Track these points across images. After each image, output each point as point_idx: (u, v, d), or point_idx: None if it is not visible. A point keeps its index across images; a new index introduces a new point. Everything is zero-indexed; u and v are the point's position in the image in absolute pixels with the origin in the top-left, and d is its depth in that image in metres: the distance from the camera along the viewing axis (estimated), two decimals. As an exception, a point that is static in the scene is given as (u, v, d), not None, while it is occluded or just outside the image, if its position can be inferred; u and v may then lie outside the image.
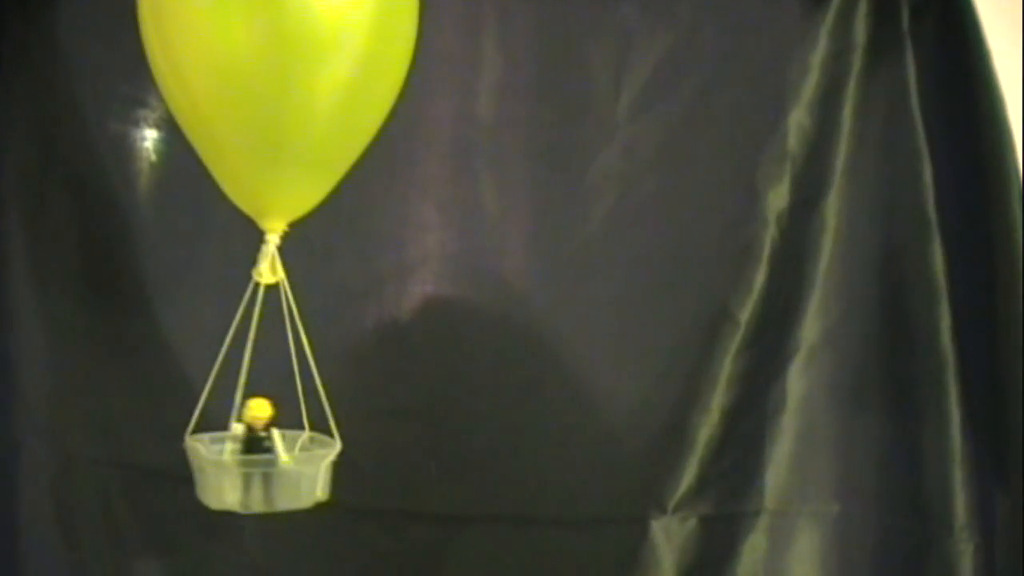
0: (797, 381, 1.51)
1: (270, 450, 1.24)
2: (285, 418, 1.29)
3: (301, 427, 1.31)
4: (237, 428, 1.25)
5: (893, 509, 1.50)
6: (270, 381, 1.27)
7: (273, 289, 1.24)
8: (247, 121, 1.16)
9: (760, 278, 1.50)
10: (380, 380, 1.57)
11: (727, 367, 1.50)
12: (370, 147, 1.27)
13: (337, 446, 1.26)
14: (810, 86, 1.49)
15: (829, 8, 1.48)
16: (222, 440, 1.26)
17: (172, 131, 1.36)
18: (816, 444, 1.52)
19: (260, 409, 1.25)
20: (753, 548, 1.50)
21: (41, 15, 1.59)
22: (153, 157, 1.59)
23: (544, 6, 1.54)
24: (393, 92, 1.25)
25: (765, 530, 1.51)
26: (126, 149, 1.58)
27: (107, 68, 1.56)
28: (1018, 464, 1.42)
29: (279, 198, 1.23)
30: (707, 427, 1.50)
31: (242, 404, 1.25)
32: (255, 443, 1.25)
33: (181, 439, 1.26)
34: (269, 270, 1.23)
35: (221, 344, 1.25)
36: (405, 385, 1.56)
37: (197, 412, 1.27)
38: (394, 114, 1.27)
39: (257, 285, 1.23)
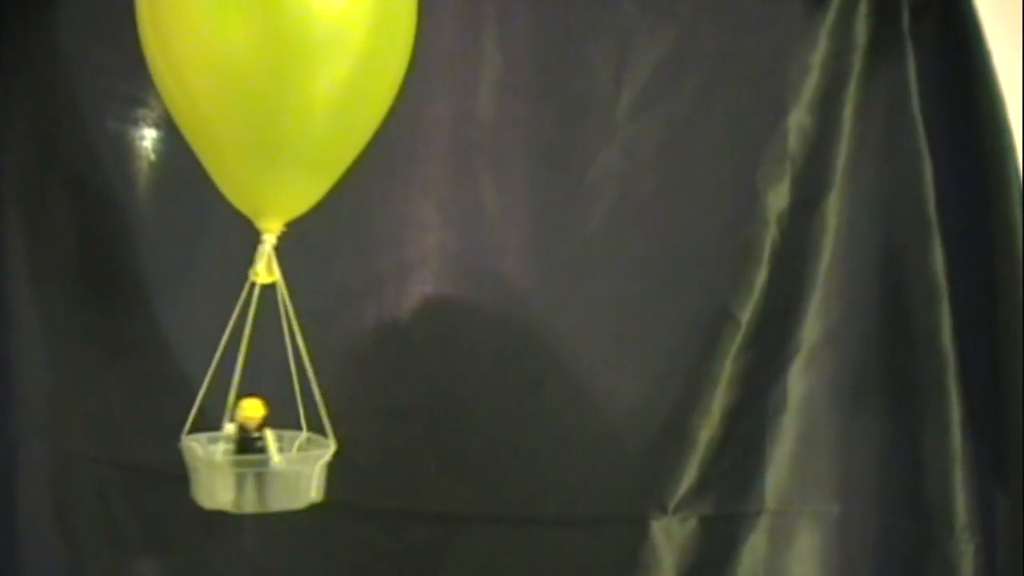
0: (798, 381, 1.50)
1: (264, 450, 1.24)
2: (285, 418, 1.29)
3: (299, 428, 1.31)
4: (229, 428, 1.25)
5: (894, 509, 1.49)
6: (269, 381, 1.27)
7: (273, 289, 1.25)
8: (245, 121, 1.16)
9: (760, 278, 1.49)
10: (380, 380, 1.56)
11: (727, 367, 1.50)
12: (368, 147, 1.27)
13: (332, 447, 1.27)
14: (810, 86, 1.49)
15: (829, 8, 1.48)
16: (219, 440, 1.27)
17: (172, 130, 1.36)
18: (817, 444, 1.51)
19: (253, 409, 1.25)
20: (753, 548, 1.50)
21: (41, 15, 1.60)
22: (153, 156, 1.59)
23: (544, 6, 1.54)
24: (391, 92, 1.25)
25: (765, 530, 1.50)
26: (125, 148, 1.59)
27: (107, 68, 1.56)
28: (1018, 464, 1.42)
29: (276, 198, 1.23)
30: (707, 427, 1.50)
31: (235, 404, 1.25)
32: (249, 443, 1.25)
33: (180, 439, 1.27)
34: (266, 270, 1.23)
35: (220, 344, 1.25)
36: (405, 385, 1.56)
37: (194, 411, 1.27)
38: (393, 114, 1.27)
39: (253, 285, 1.23)
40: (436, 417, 1.55)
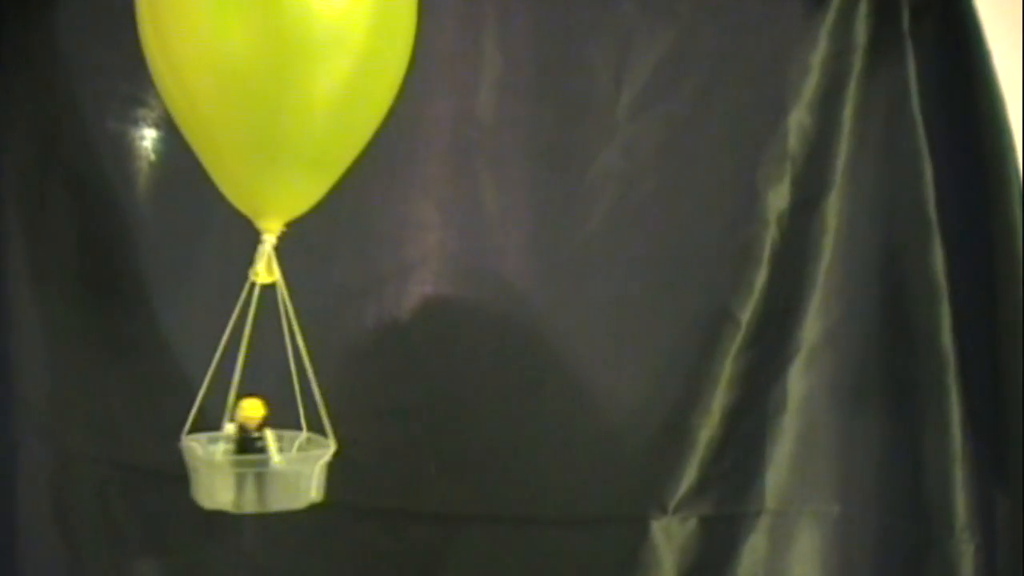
0: (798, 381, 1.50)
1: (264, 450, 1.24)
2: (285, 418, 1.29)
3: (300, 428, 1.31)
4: (229, 428, 1.25)
5: (894, 509, 1.49)
6: (270, 381, 1.27)
7: (273, 289, 1.24)
8: (244, 120, 1.16)
9: (760, 278, 1.49)
10: (380, 380, 1.56)
11: (727, 367, 1.50)
12: (368, 147, 1.27)
13: (332, 447, 1.26)
14: (810, 86, 1.49)
15: (829, 8, 1.48)
16: (219, 440, 1.27)
17: (172, 130, 1.36)
18: (817, 444, 1.51)
19: (253, 409, 1.25)
20: (753, 549, 1.50)
21: (41, 15, 1.60)
22: (153, 156, 1.59)
23: (544, 6, 1.54)
24: (391, 92, 1.25)
25: (766, 531, 1.50)
26: (125, 148, 1.59)
27: (107, 67, 1.56)
28: (1018, 464, 1.42)
29: (276, 198, 1.23)
30: (707, 427, 1.50)
31: (235, 404, 1.25)
32: (248, 443, 1.24)
33: (180, 439, 1.27)
34: (265, 270, 1.23)
35: (220, 344, 1.25)
36: (405, 385, 1.56)
37: (194, 411, 1.27)
38: (393, 114, 1.27)
39: (253, 285, 1.23)
40: (436, 417, 1.54)
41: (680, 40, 1.52)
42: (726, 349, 1.49)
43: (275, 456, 1.24)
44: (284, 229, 1.25)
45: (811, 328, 1.50)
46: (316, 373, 1.27)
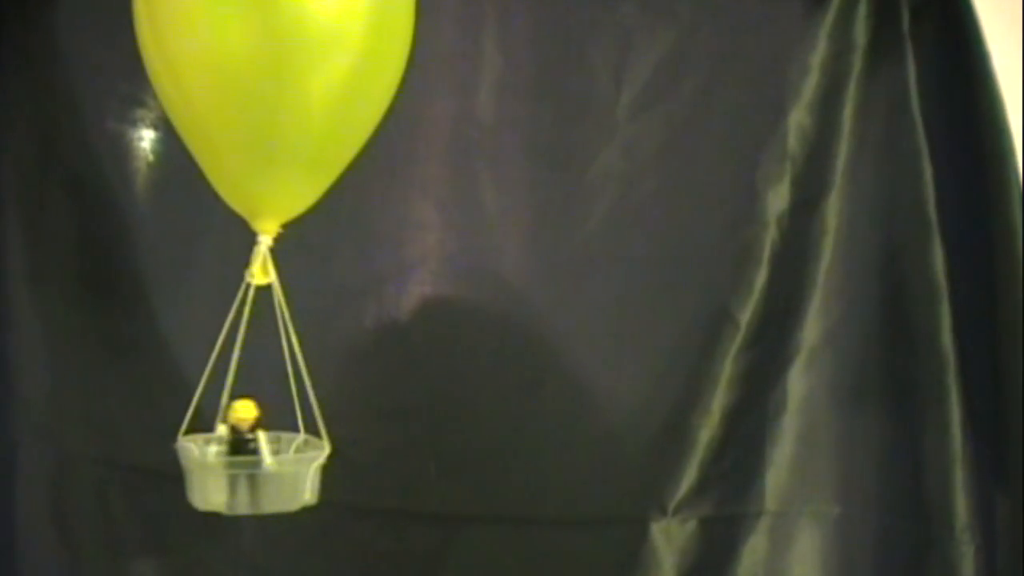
0: (798, 382, 1.50)
1: (256, 452, 1.24)
2: (283, 420, 1.29)
3: (297, 429, 1.31)
4: (222, 429, 1.25)
5: (894, 510, 1.49)
6: (268, 383, 1.27)
7: (271, 290, 1.24)
8: (241, 120, 1.16)
9: (760, 279, 1.49)
10: (380, 380, 1.57)
11: (727, 368, 1.50)
12: (367, 147, 1.27)
13: (326, 449, 1.26)
14: (810, 87, 1.48)
15: (829, 9, 1.48)
16: (215, 441, 1.27)
17: (171, 131, 1.35)
18: (817, 445, 1.51)
19: (245, 410, 1.25)
20: (753, 549, 1.50)
21: (41, 15, 1.60)
22: (152, 157, 1.59)
23: (544, 6, 1.54)
24: (390, 91, 1.25)
25: (766, 531, 1.50)
26: (125, 148, 1.59)
27: (106, 68, 1.57)
28: (1018, 465, 1.42)
29: (273, 199, 1.23)
30: (707, 428, 1.50)
31: (228, 405, 1.25)
32: (241, 445, 1.24)
33: (177, 439, 1.27)
34: (261, 271, 1.22)
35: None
36: (405, 385, 1.56)
37: (190, 412, 1.27)
38: (392, 114, 1.27)
39: (249, 286, 1.23)
40: (436, 417, 1.54)
41: (680, 40, 1.52)
42: (726, 349, 1.49)
43: (267, 458, 1.23)
44: (280, 231, 1.24)
45: (811, 328, 1.50)
46: (315, 373, 1.27)
